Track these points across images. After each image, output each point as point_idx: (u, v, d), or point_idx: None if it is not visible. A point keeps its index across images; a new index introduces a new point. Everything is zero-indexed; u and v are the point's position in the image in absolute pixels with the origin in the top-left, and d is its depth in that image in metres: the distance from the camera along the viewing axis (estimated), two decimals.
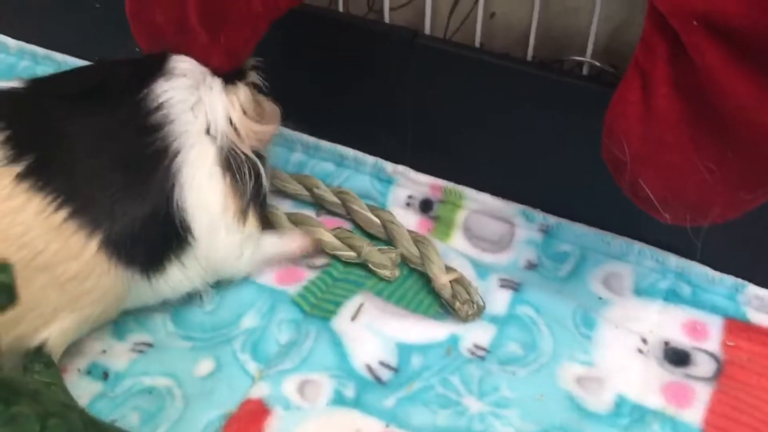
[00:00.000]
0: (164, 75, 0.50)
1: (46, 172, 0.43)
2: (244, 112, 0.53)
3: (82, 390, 0.51)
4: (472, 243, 0.63)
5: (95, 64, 0.54)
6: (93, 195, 0.45)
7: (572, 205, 0.61)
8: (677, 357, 0.55)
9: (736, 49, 0.39)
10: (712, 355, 0.55)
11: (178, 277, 0.51)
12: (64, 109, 0.46)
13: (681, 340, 0.56)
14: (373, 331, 0.55)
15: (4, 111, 0.44)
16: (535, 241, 0.62)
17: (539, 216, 0.62)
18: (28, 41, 0.78)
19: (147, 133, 0.48)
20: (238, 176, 0.52)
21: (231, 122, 0.52)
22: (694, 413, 0.51)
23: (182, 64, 0.52)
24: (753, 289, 0.57)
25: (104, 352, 0.53)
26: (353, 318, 0.56)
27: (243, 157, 0.52)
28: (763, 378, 0.53)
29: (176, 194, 0.49)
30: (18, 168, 0.42)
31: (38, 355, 0.45)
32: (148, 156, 0.48)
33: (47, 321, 0.44)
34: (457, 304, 0.56)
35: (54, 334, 0.45)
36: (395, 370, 0.53)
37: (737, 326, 0.56)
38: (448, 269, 0.58)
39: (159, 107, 0.49)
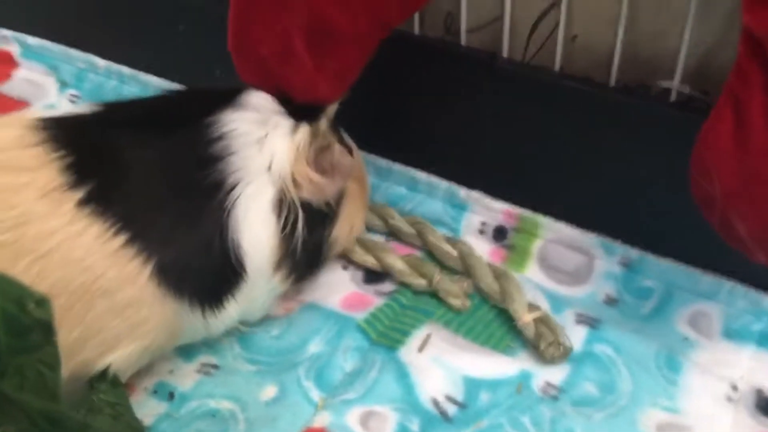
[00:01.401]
0: (233, 106, 0.50)
1: (105, 198, 0.44)
2: (306, 160, 0.51)
3: (148, 410, 0.51)
4: (547, 274, 0.60)
5: (169, 92, 0.54)
6: (150, 222, 0.45)
7: (657, 238, 0.57)
8: None
9: None
10: None
11: (230, 313, 0.51)
12: (128, 136, 0.47)
13: None
14: (441, 363, 0.53)
15: (69, 137, 0.45)
16: (615, 275, 0.59)
17: (620, 248, 0.59)
18: (116, 61, 0.80)
19: (206, 163, 0.48)
20: (283, 224, 0.50)
21: (289, 166, 0.51)
22: None
23: (255, 98, 0.51)
24: None
25: (171, 372, 0.54)
26: (420, 349, 0.54)
27: (293, 205, 0.50)
28: None
29: (231, 228, 0.48)
30: (79, 194, 0.43)
31: (105, 374, 0.46)
32: (206, 187, 0.48)
33: (110, 347, 0.45)
34: (543, 345, 0.53)
35: (117, 360, 0.45)
36: (462, 405, 0.51)
37: None
38: (531, 306, 0.55)
39: (221, 137, 0.49)
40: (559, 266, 0.60)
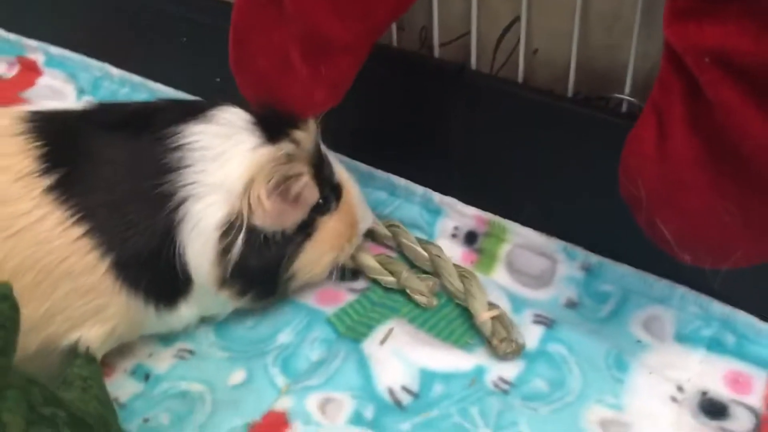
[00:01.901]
0: (201, 119, 0.51)
1: (70, 188, 0.47)
2: (267, 184, 0.50)
3: (124, 389, 0.55)
4: (513, 277, 0.63)
5: (156, 101, 0.56)
6: (108, 218, 0.48)
7: (616, 245, 0.59)
8: (714, 409, 0.52)
9: (751, 88, 0.38)
10: (751, 409, 0.51)
11: (185, 314, 0.54)
12: (104, 136, 0.50)
13: (720, 391, 0.53)
14: (400, 356, 0.56)
15: (51, 129, 0.49)
16: (577, 279, 0.61)
17: (581, 253, 0.61)
18: (128, 70, 0.86)
19: (163, 172, 0.49)
20: (228, 245, 0.50)
21: (242, 186, 0.50)
22: None
23: (225, 113, 0.52)
24: None
25: (150, 355, 0.58)
26: (382, 342, 0.58)
27: (244, 227, 0.50)
28: None
29: (179, 241, 0.50)
30: (48, 181, 0.47)
31: (82, 351, 0.50)
32: (159, 195, 0.49)
33: (76, 324, 0.49)
34: (495, 342, 0.56)
35: (86, 337, 0.49)
36: (416, 395, 0.54)
37: None
38: (491, 306, 0.58)
39: (179, 148, 0.50)
40: (525, 270, 0.63)
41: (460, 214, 0.66)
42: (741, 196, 0.41)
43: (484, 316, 0.57)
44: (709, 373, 0.54)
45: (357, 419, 0.53)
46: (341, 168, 0.59)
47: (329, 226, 0.57)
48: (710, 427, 0.51)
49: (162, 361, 0.57)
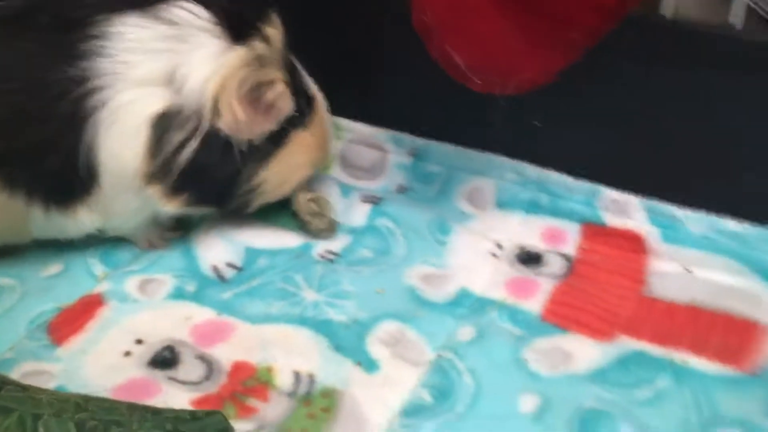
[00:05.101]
0: (139, 12, 0.46)
1: None
2: (238, 89, 0.47)
3: None
4: (348, 172, 0.63)
5: None
6: None
7: (440, 127, 0.61)
8: (529, 258, 0.54)
9: None
10: (564, 256, 0.54)
11: (83, 219, 0.50)
12: (8, 25, 0.47)
13: (537, 245, 0.55)
14: (225, 237, 0.56)
15: None
16: (406, 165, 0.62)
17: (408, 139, 0.62)
18: None
19: (71, 58, 0.45)
20: (167, 141, 0.46)
21: (213, 92, 0.46)
22: (535, 303, 0.50)
23: (179, 10, 0.47)
24: (609, 194, 0.56)
25: None
26: (209, 228, 0.56)
27: (194, 127, 0.46)
28: (613, 275, 0.52)
29: (88, 133, 0.46)
30: None
31: None
32: (61, 82, 0.45)
33: None
34: (308, 218, 0.55)
35: None
36: (240, 269, 0.53)
37: (594, 230, 0.55)
38: (309, 191, 0.58)
39: (97, 37, 0.45)
40: (358, 163, 0.63)
41: None
42: (524, 17, 0.43)
43: (300, 197, 0.56)
44: (527, 232, 0.56)
45: (177, 294, 0.51)
46: (310, 80, 0.55)
47: (302, 141, 0.53)
48: (525, 273, 0.52)
49: None
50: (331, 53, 0.61)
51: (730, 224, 0.53)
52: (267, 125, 0.50)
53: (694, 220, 0.53)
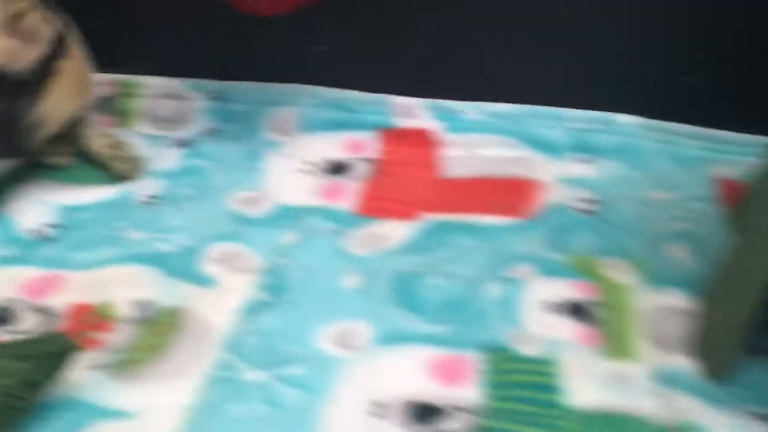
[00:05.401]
0: None
1: None
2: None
3: None
4: (156, 126, 0.65)
5: None
6: None
7: (242, 68, 0.64)
8: (335, 168, 0.59)
9: None
10: (367, 160, 0.59)
11: None
12: None
13: (341, 156, 0.60)
14: (40, 202, 0.56)
15: None
16: (210, 109, 0.65)
17: (208, 84, 0.65)
18: None
19: None
20: None
21: None
22: (347, 202, 0.55)
23: None
24: (397, 100, 0.62)
25: None
26: (20, 197, 0.56)
27: None
28: (410, 167, 0.58)
29: None
30: None
31: None
32: None
33: None
34: (113, 165, 0.57)
35: None
36: (62, 227, 0.54)
37: (389, 134, 0.61)
38: (106, 136, 0.59)
39: None
40: (163, 116, 0.65)
41: (98, 83, 0.66)
42: None
43: (96, 142, 0.58)
44: (331, 147, 0.61)
45: (1, 261, 0.51)
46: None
47: (71, 68, 0.54)
48: (330, 181, 0.58)
49: None
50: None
51: (500, 107, 0.61)
52: (33, 52, 0.51)
53: (470, 108, 0.61)
